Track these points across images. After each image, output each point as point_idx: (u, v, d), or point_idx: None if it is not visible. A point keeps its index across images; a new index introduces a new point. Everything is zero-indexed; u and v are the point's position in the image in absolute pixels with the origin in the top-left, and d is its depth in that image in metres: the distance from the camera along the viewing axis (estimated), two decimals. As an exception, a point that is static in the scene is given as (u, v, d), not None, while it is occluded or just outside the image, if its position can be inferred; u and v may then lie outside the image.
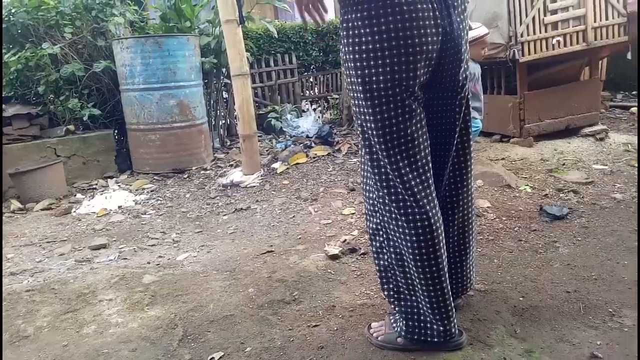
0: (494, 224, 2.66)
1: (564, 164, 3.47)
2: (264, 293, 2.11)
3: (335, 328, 1.82)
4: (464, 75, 1.57)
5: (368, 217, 1.69)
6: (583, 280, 2.06)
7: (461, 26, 1.50)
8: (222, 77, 5.48)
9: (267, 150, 4.71)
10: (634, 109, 5.14)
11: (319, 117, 6.28)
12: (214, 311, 1.99)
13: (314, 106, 6.78)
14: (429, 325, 1.61)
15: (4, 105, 4.22)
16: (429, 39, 1.41)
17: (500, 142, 4.14)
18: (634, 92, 6.13)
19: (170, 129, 4.48)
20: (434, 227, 1.50)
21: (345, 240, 2.55)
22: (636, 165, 3.34)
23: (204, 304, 2.06)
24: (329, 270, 2.30)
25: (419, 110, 1.49)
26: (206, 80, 5.34)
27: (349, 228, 2.80)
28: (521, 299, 1.98)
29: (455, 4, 1.48)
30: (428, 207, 1.51)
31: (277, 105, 5.85)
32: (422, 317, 1.62)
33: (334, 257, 2.40)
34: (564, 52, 3.70)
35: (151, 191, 4.01)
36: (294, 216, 3.08)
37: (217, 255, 2.59)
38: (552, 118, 3.93)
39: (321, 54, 6.88)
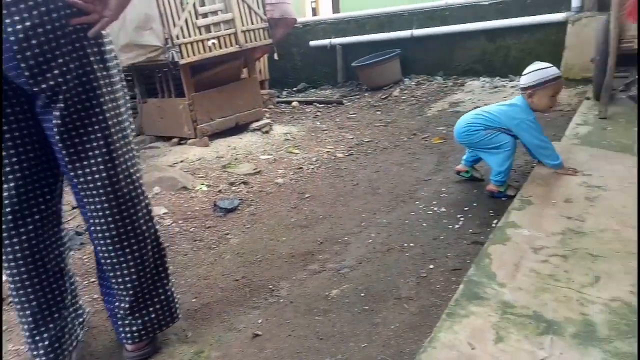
0: (170, 230, 2.60)
1: (236, 159, 3.71)
2: None
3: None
4: (31, 81, 1.23)
5: None
6: (250, 264, 2.19)
7: (13, 26, 1.17)
8: None
9: None
10: (295, 103, 6.00)
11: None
12: None
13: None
14: None
15: None
16: None
17: (179, 144, 4.15)
18: (294, 89, 7.18)
19: None
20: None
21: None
22: (294, 152, 3.85)
23: None
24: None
25: None
26: None
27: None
28: (194, 300, 1.96)
29: None
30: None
31: None
32: None
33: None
34: (221, 53, 3.94)
35: None
36: None
37: None
38: (223, 117, 4.16)
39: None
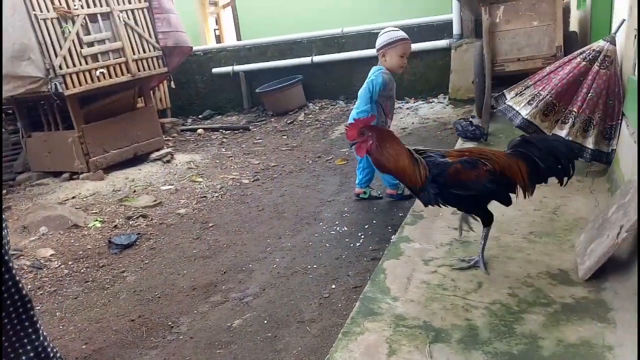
0: (58, 272, 2.40)
1: (134, 191, 3.53)
2: None
3: None
4: None
5: None
6: (148, 302, 2.07)
7: None
8: None
9: None
10: (200, 130, 5.87)
11: None
12: None
13: None
14: None
15: None
16: None
17: (71, 180, 3.87)
18: (200, 116, 7.04)
19: None
20: None
21: None
22: (198, 180, 3.74)
23: None
24: None
25: None
26: None
27: None
28: (84, 346, 1.81)
29: None
30: None
31: None
32: None
33: None
34: (112, 83, 3.76)
35: None
36: None
37: None
38: (118, 148, 3.96)
39: None
